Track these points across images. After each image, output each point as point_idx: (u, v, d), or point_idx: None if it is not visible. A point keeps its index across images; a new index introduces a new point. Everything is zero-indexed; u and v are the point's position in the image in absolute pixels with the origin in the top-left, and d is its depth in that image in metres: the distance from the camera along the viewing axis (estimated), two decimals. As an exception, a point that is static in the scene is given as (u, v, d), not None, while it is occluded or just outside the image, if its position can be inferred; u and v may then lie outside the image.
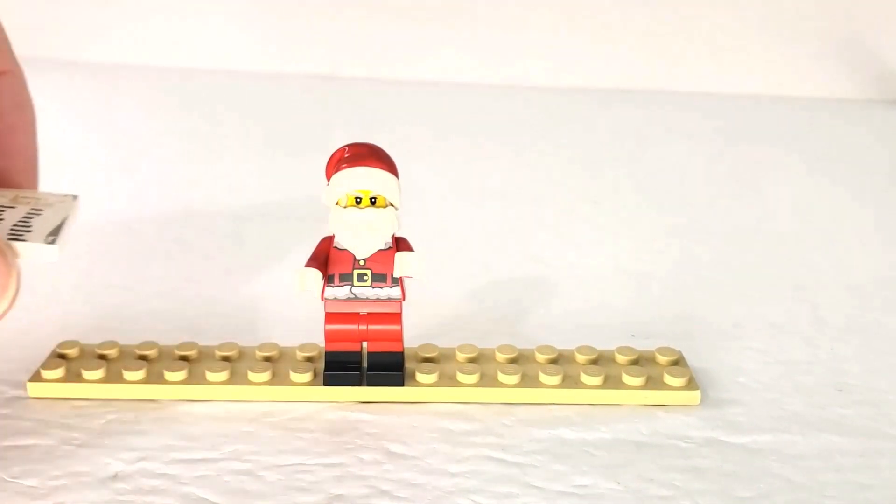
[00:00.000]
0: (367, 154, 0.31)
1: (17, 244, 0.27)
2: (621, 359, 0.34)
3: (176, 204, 0.51)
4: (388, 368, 0.32)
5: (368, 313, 0.32)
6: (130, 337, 0.35)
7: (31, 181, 0.32)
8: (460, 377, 0.32)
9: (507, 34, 0.80)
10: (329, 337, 0.32)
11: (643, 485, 0.28)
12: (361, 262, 0.31)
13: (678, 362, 0.34)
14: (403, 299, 0.32)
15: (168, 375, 0.32)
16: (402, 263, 0.31)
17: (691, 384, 0.32)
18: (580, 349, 0.34)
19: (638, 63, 0.80)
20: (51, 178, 0.54)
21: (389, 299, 0.31)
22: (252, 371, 0.32)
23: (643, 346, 0.35)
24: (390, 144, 0.32)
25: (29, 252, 0.27)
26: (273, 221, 0.49)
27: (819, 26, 0.79)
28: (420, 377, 0.32)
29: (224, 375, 0.32)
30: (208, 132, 0.65)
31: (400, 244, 0.31)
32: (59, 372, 0.32)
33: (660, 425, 0.31)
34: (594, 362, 0.33)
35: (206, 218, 0.49)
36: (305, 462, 0.29)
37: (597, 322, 0.38)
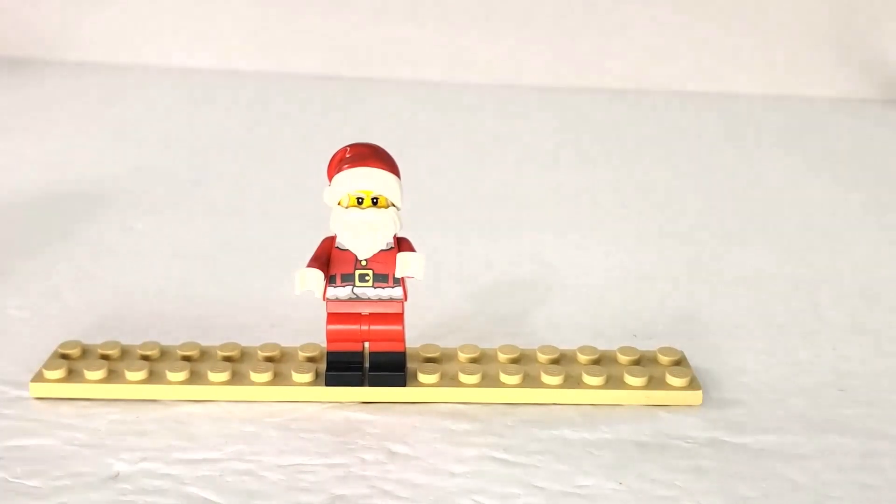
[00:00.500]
0: (368, 154, 0.31)
1: None
2: (623, 359, 0.34)
3: (177, 204, 0.51)
4: (390, 369, 0.32)
5: (370, 313, 0.32)
6: (132, 337, 0.35)
7: None
8: (462, 377, 0.32)
9: (508, 34, 0.80)
10: (331, 337, 0.32)
11: (645, 485, 0.28)
12: (363, 263, 0.31)
13: (680, 362, 0.34)
14: (405, 299, 0.32)
15: (170, 375, 0.32)
16: (403, 264, 0.31)
17: (693, 384, 0.32)
18: (582, 349, 0.34)
19: (638, 63, 0.80)
20: (51, 178, 0.54)
21: (391, 299, 0.31)
22: (254, 371, 0.32)
23: (645, 346, 0.35)
24: (392, 144, 0.32)
25: None
26: (274, 221, 0.49)
27: (820, 25, 0.79)
28: (422, 377, 0.32)
29: (226, 376, 0.32)
30: (208, 132, 0.65)
31: (402, 244, 0.31)
32: (61, 372, 0.32)
33: (662, 425, 0.31)
34: (596, 362, 0.33)
35: (207, 218, 0.49)
36: (307, 462, 0.29)
37: (598, 322, 0.38)
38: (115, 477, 0.28)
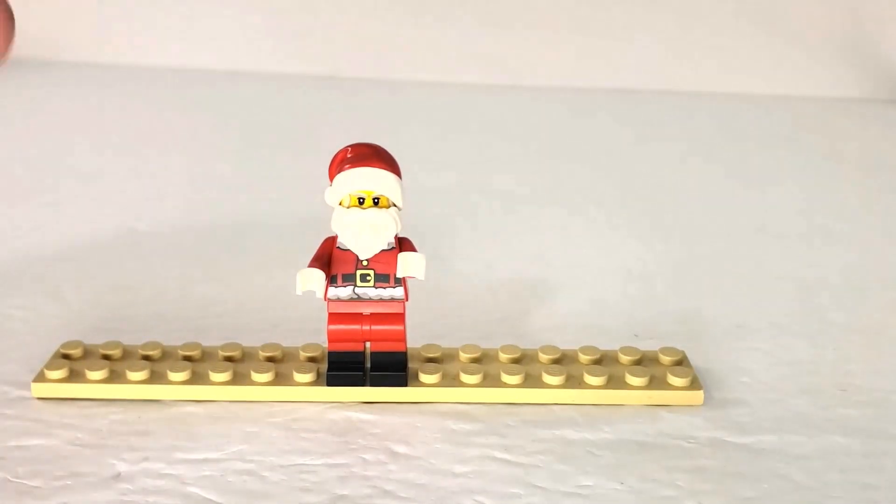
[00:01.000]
0: (369, 154, 0.31)
1: None
2: (624, 359, 0.34)
3: (178, 204, 0.51)
4: (392, 368, 0.32)
5: (371, 314, 0.32)
6: (134, 337, 0.35)
7: None
8: (463, 377, 0.32)
9: (508, 34, 0.80)
10: (332, 337, 0.32)
11: (647, 485, 0.28)
12: (364, 263, 0.31)
13: (681, 362, 0.34)
14: (406, 299, 0.32)
15: (171, 376, 0.32)
16: (405, 264, 0.31)
17: (695, 384, 0.32)
18: (583, 349, 0.34)
19: (638, 63, 0.80)
20: (53, 178, 0.54)
21: (392, 299, 0.31)
22: (255, 371, 0.32)
23: (646, 346, 0.35)
24: (393, 145, 0.32)
25: None
26: (276, 222, 0.49)
27: (820, 25, 0.79)
28: (423, 377, 0.32)
29: (227, 376, 0.32)
30: (210, 133, 0.65)
31: (403, 244, 0.31)
32: (62, 372, 0.32)
33: (663, 425, 0.31)
34: (597, 362, 0.33)
35: (208, 218, 0.49)
36: (309, 462, 0.29)
37: (600, 322, 0.38)
38: (117, 477, 0.28)
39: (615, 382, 0.32)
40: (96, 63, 0.80)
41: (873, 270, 0.44)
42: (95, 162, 0.58)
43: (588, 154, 0.62)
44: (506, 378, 0.32)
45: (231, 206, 0.51)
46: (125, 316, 0.38)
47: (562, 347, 0.34)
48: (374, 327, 0.32)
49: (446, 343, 0.35)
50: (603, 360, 0.34)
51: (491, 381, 0.32)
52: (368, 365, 0.32)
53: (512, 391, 0.32)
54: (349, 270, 0.31)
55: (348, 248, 0.31)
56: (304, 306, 0.34)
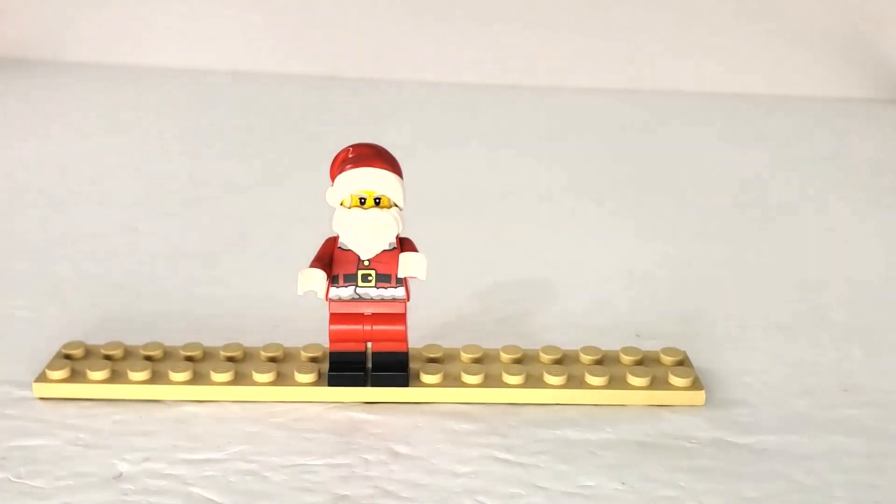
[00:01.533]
0: (371, 155, 0.31)
1: None
2: (626, 359, 0.34)
3: (179, 204, 0.51)
4: (393, 369, 0.32)
5: (373, 314, 0.32)
6: (135, 337, 0.35)
7: None
8: (465, 377, 0.32)
9: (508, 34, 0.80)
10: (333, 337, 0.32)
11: (648, 485, 0.28)
12: (366, 263, 0.31)
13: (683, 362, 0.34)
14: (408, 300, 0.32)
15: (173, 376, 0.32)
16: (406, 264, 0.31)
17: (696, 384, 0.32)
18: (585, 349, 0.34)
19: (638, 63, 0.80)
20: (53, 178, 0.54)
21: (394, 300, 0.31)
22: (257, 371, 0.32)
23: (648, 346, 0.35)
24: (394, 145, 0.32)
25: None
26: (277, 222, 0.49)
27: (821, 25, 0.79)
28: (424, 377, 0.32)
29: (229, 376, 0.32)
30: (211, 133, 0.65)
31: (404, 245, 0.31)
32: (64, 372, 0.32)
33: (665, 426, 0.31)
34: (599, 362, 0.33)
35: (209, 218, 0.49)
36: (310, 462, 0.29)
37: (601, 322, 0.38)
38: (119, 477, 0.28)
39: (617, 383, 0.32)
40: (96, 63, 0.80)
41: (875, 270, 0.44)
42: (96, 162, 0.58)
43: (589, 154, 0.62)
44: (507, 378, 0.32)
45: (232, 207, 0.51)
46: (126, 316, 0.38)
47: (563, 348, 0.34)
48: (375, 327, 0.32)
49: (448, 343, 0.35)
50: (604, 361, 0.34)
51: (492, 381, 0.32)
52: (370, 365, 0.32)
53: (513, 391, 0.32)
54: (350, 271, 0.31)
55: (349, 248, 0.31)
56: (306, 306, 0.34)
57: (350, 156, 0.31)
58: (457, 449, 0.30)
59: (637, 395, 0.32)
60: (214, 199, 0.52)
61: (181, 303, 0.39)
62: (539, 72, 0.80)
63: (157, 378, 0.32)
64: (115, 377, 0.32)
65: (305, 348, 0.33)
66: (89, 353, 0.33)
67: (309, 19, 0.81)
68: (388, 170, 0.31)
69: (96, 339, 0.35)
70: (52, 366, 0.32)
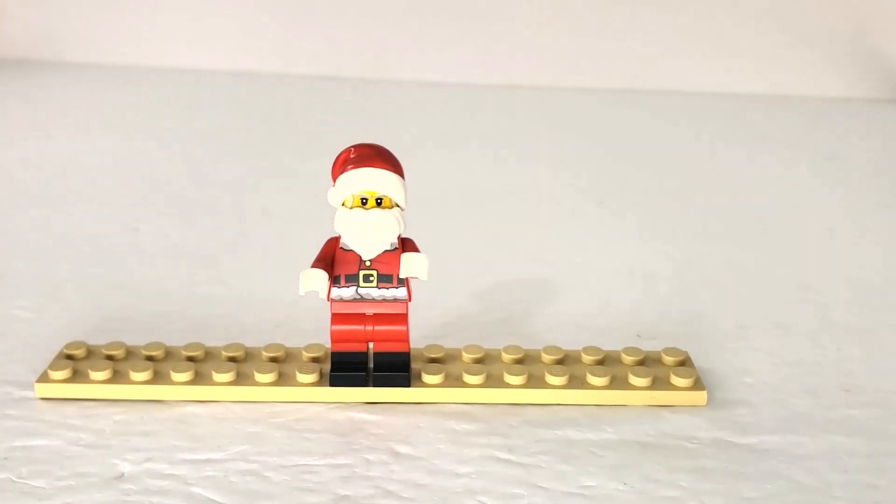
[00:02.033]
0: (372, 155, 0.31)
1: None
2: (627, 359, 0.34)
3: (180, 204, 0.51)
4: (394, 369, 0.32)
5: (374, 314, 0.32)
6: (137, 338, 0.35)
7: None
8: (466, 378, 0.32)
9: (509, 35, 0.80)
10: (335, 338, 0.32)
11: (649, 485, 0.28)
12: (367, 263, 0.31)
13: (684, 363, 0.34)
14: (409, 300, 0.32)
15: (174, 376, 0.32)
16: (407, 264, 0.31)
17: (698, 385, 0.32)
18: (586, 350, 0.34)
19: (638, 63, 0.80)
20: (54, 178, 0.54)
21: (395, 300, 0.31)
22: (258, 372, 0.32)
23: (649, 346, 0.35)
24: (395, 145, 0.32)
25: None
26: (278, 222, 0.49)
27: (821, 25, 0.79)
28: (426, 378, 0.32)
29: (230, 376, 0.32)
30: (212, 133, 0.65)
31: (406, 245, 0.31)
32: (66, 373, 0.32)
33: (666, 426, 0.31)
34: (600, 363, 0.33)
35: (211, 218, 0.49)
36: (311, 463, 0.29)
37: (602, 322, 0.38)
38: (120, 477, 0.28)
39: (618, 383, 0.32)
40: (96, 63, 0.80)
41: (876, 270, 0.44)
42: (96, 162, 0.58)
43: (589, 154, 0.62)
44: (508, 378, 0.32)
45: (233, 207, 0.51)
46: (128, 316, 0.38)
47: (565, 348, 0.34)
48: (376, 328, 0.32)
49: (449, 343, 0.35)
50: (606, 361, 0.34)
51: (494, 381, 0.32)
52: (371, 365, 0.32)
53: (515, 392, 0.32)
54: (352, 271, 0.31)
55: (351, 248, 0.31)
56: (307, 307, 0.34)
57: (352, 156, 0.31)
58: (458, 449, 0.30)
59: (638, 395, 0.32)
60: (214, 199, 0.52)
61: (182, 303, 0.39)
62: (539, 72, 0.80)
63: (158, 378, 0.32)
64: (117, 377, 0.32)
65: (307, 348, 0.33)
66: (91, 353, 0.33)
67: (309, 19, 0.81)
68: (390, 170, 0.31)
69: (98, 340, 0.35)
70: (53, 366, 0.32)
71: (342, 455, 0.29)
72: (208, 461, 0.29)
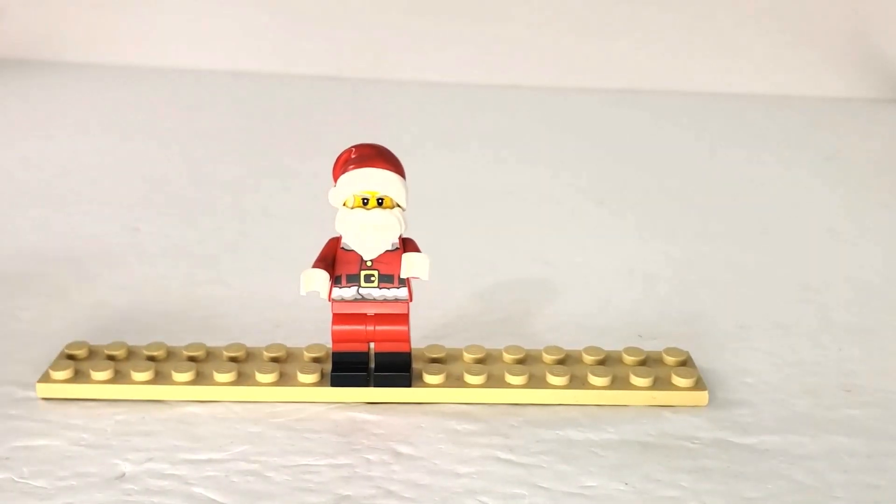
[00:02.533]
0: (373, 155, 0.31)
1: None
2: (628, 359, 0.34)
3: (181, 204, 0.51)
4: (395, 369, 0.32)
5: (375, 314, 0.32)
6: (138, 338, 0.35)
7: None
8: (467, 378, 0.32)
9: (509, 35, 0.80)
10: (336, 338, 0.32)
11: (650, 485, 0.28)
12: (368, 263, 0.31)
13: (686, 363, 0.34)
14: (410, 300, 0.32)
15: (176, 376, 0.32)
16: (409, 264, 0.31)
17: (699, 385, 0.32)
18: (587, 350, 0.34)
19: (638, 63, 0.80)
20: (54, 178, 0.54)
21: (396, 300, 0.31)
22: (259, 372, 0.32)
23: (650, 346, 0.35)
24: (395, 145, 0.32)
25: None
26: (279, 222, 0.49)
27: (822, 25, 0.79)
28: (427, 378, 0.32)
29: (231, 376, 0.32)
30: (213, 133, 0.65)
31: (407, 245, 0.31)
32: (67, 373, 0.32)
33: (667, 426, 0.31)
34: (601, 363, 0.33)
35: (212, 219, 0.49)
36: (312, 463, 0.29)
37: (604, 323, 0.38)
38: (121, 477, 0.28)
39: (619, 383, 0.32)
40: (96, 63, 0.80)
41: (877, 270, 0.44)
42: (96, 162, 0.58)
43: (589, 154, 0.62)
44: (509, 379, 0.32)
45: (234, 207, 0.51)
46: (129, 317, 0.38)
47: (566, 348, 0.34)
48: (377, 328, 0.32)
49: (450, 343, 0.35)
50: (607, 361, 0.34)
51: (495, 381, 0.32)
52: (372, 365, 0.32)
53: (516, 392, 0.32)
54: (353, 271, 0.31)
55: (352, 248, 0.31)
56: (308, 307, 0.34)
57: (353, 156, 0.31)
58: (459, 449, 0.30)
59: (639, 395, 0.32)
60: (215, 199, 0.52)
61: (182, 303, 0.39)
62: (539, 72, 0.80)
63: (159, 378, 0.32)
64: (118, 377, 0.32)
65: (308, 348, 0.34)
66: (92, 353, 0.33)
67: (309, 19, 0.81)
68: (391, 170, 0.31)
69: (99, 340, 0.35)
70: (55, 366, 0.32)
71: (343, 455, 0.29)
72: (209, 461, 0.29)
